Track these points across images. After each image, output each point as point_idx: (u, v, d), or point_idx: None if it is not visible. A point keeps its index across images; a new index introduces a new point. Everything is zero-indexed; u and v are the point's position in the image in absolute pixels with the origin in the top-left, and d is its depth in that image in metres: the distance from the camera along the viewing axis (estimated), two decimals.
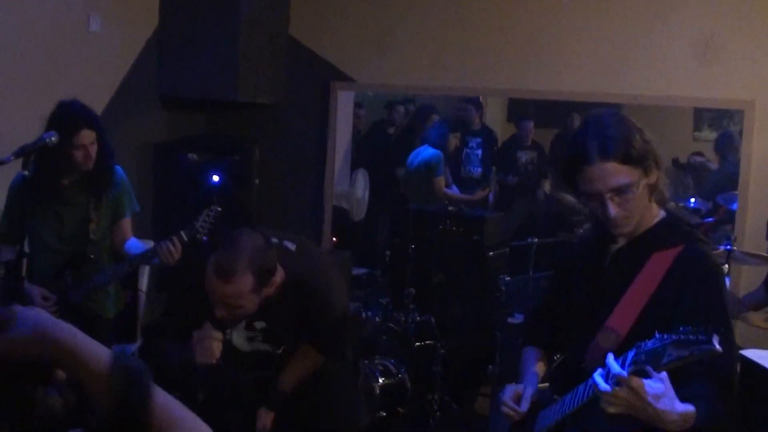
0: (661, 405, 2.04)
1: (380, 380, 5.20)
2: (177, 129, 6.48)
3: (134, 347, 5.15)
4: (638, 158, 2.27)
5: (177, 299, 3.61)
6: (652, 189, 2.35)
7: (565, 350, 2.66)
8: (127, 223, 4.37)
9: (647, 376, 2.02)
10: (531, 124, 8.40)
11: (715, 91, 5.63)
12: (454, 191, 7.63)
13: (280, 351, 3.42)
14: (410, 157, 7.45)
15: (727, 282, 5.23)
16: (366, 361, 5.26)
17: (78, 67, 5.42)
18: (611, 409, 2.07)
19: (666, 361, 1.98)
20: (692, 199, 6.65)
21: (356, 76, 6.38)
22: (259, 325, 3.36)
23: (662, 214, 2.44)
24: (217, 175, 5.88)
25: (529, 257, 5.43)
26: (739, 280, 5.51)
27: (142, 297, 5.21)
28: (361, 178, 7.32)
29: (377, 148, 7.98)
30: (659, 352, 1.98)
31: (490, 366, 5.27)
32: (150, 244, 4.23)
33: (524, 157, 8.67)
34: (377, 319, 5.58)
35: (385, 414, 5.18)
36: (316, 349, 3.42)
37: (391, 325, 5.49)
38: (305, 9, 6.55)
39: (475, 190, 7.78)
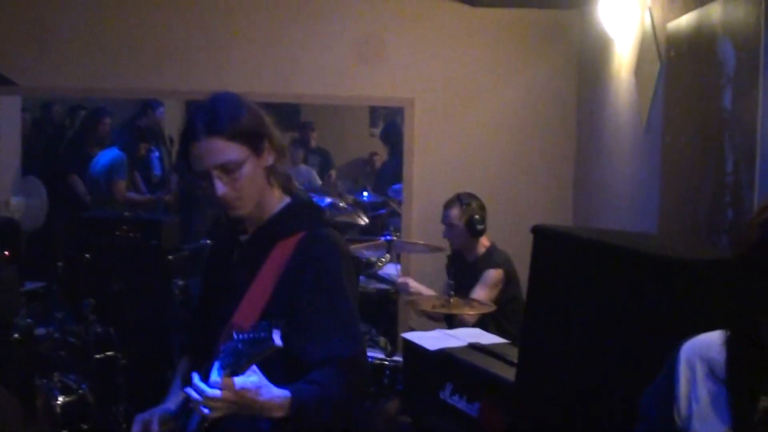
0: (263, 396, 2.06)
1: (60, 398, 5.00)
2: None
3: None
4: (246, 136, 2.22)
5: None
6: (270, 172, 2.30)
7: (200, 353, 2.40)
8: None
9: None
10: None
11: (380, 90, 5.90)
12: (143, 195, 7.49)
13: None
14: (93, 162, 7.23)
15: (396, 268, 5.53)
16: (44, 380, 5.03)
17: None
18: (216, 414, 2.04)
19: (244, 362, 2.00)
20: (365, 193, 6.94)
21: (19, 80, 6.04)
22: None
23: (287, 200, 2.38)
24: None
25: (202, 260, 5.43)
26: (409, 268, 5.81)
27: None
28: (32, 186, 6.97)
29: (47, 154, 7.65)
30: (240, 352, 1.99)
31: (170, 371, 5.20)
32: None
33: None
34: (56, 335, 5.35)
35: None
36: None
37: (70, 339, 5.28)
38: None
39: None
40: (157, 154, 7.84)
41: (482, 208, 4.96)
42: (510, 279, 4.82)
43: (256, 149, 2.25)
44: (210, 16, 5.96)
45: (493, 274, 4.79)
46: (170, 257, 5.90)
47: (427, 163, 5.87)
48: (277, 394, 2.08)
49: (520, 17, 5.79)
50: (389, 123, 7.67)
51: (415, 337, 3.97)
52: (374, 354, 4.73)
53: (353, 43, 5.84)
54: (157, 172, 7.87)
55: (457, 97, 5.86)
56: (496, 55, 5.85)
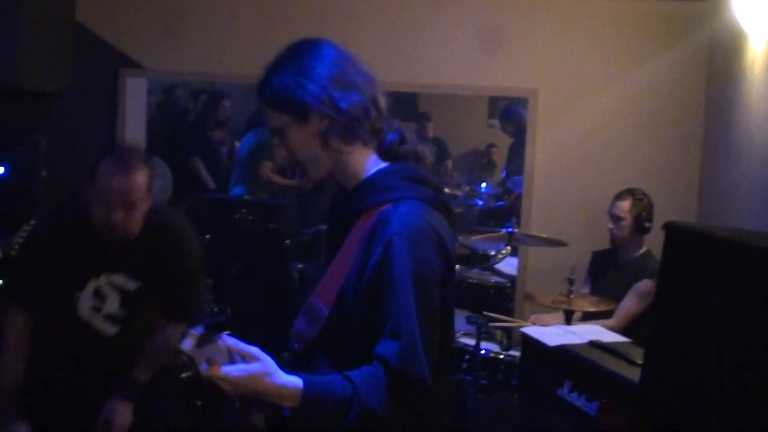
0: (269, 383, 1.89)
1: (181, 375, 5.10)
2: None
3: None
4: (281, 104, 2.10)
5: (37, 256, 3.36)
6: (326, 136, 2.08)
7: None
8: None
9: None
10: None
11: (501, 80, 5.83)
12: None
13: (115, 330, 3.31)
14: (241, 142, 7.36)
15: (515, 262, 5.47)
16: None
17: None
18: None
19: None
20: (483, 184, 6.87)
21: (146, 63, 6.21)
22: (117, 280, 3.26)
23: (381, 166, 2.14)
24: (2, 167, 5.61)
25: (321, 243, 5.47)
26: (527, 261, 5.74)
27: None
28: (157, 168, 7.12)
29: (170, 137, 7.81)
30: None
31: (285, 353, 5.26)
32: None
33: None
34: None
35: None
36: (165, 310, 3.37)
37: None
38: None
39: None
40: None
41: (652, 206, 4.88)
42: None
43: (298, 117, 2.09)
44: (332, 3, 5.99)
45: (648, 284, 4.64)
46: (288, 241, 5.96)
47: (549, 156, 5.77)
48: (285, 382, 1.90)
49: (648, 8, 5.62)
50: (507, 108, 7.49)
51: (534, 331, 3.90)
52: (490, 347, 4.69)
53: (477, 32, 5.77)
54: None
55: (582, 88, 5.74)
56: (622, 46, 5.70)
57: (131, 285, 3.30)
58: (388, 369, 1.87)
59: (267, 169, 7.14)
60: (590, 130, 5.74)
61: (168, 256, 3.33)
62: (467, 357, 4.65)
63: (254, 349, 1.93)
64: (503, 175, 7.45)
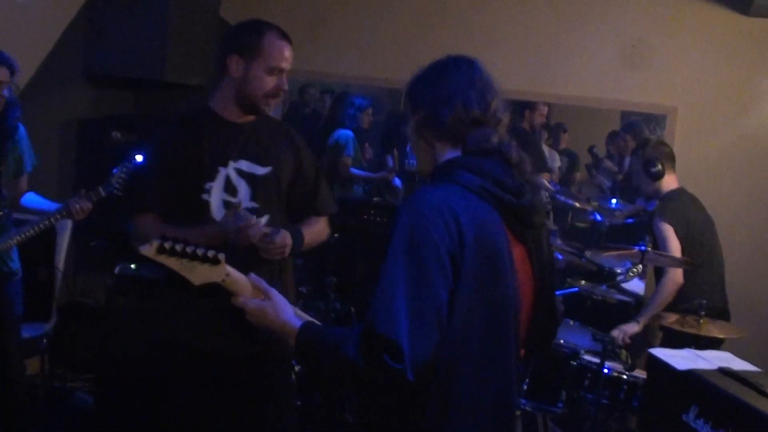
0: (276, 319, 2.18)
1: (297, 368, 5.20)
2: (103, 107, 6.38)
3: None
4: (406, 96, 2.30)
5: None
6: (420, 130, 2.25)
7: None
8: (26, 178, 4.33)
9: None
10: None
11: (640, 96, 5.75)
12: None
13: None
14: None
15: (642, 282, 5.38)
16: None
17: (2, 38, 5.30)
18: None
19: None
20: (613, 200, 6.75)
21: None
22: (243, 166, 3.31)
23: (450, 154, 2.23)
24: (142, 155, 5.80)
25: None
26: (654, 280, 5.63)
27: (59, 275, 5.13)
28: None
29: (304, 136, 7.93)
30: None
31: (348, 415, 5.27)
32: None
33: None
34: (298, 308, 5.55)
35: (300, 403, 5.17)
36: (304, 203, 3.55)
37: (312, 313, 5.47)
38: None
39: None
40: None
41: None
42: None
43: (411, 107, 2.28)
44: (474, 12, 6.02)
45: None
46: None
47: (686, 174, 5.65)
48: (287, 321, 2.16)
49: None
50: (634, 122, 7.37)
51: (662, 354, 3.82)
52: (613, 366, 4.62)
53: (620, 47, 5.71)
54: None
55: (721, 107, 5.61)
56: (765, 65, 5.54)
57: (258, 171, 3.33)
58: (365, 323, 1.95)
59: (347, 163, 7.20)
60: (729, 149, 5.62)
61: (290, 143, 3.49)
62: (589, 375, 4.58)
63: (272, 291, 2.25)
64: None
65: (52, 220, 4.08)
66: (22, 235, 4.05)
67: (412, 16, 6.18)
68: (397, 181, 7.54)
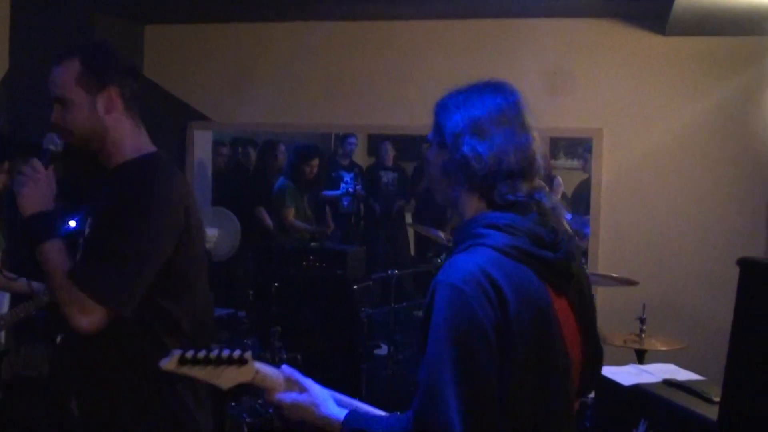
0: (317, 413, 2.06)
1: (247, 420, 5.15)
2: None
3: None
4: (434, 121, 2.20)
5: None
6: (445, 166, 2.12)
7: None
8: None
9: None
10: (388, 145, 8.71)
11: (566, 121, 5.85)
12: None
13: None
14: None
15: None
16: (233, 404, 5.20)
17: None
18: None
19: None
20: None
21: (213, 116, 6.37)
22: None
23: (478, 213, 2.09)
24: (74, 221, 5.75)
25: (390, 289, 5.50)
26: (595, 301, 5.70)
27: None
28: (225, 217, 7.25)
29: (236, 187, 7.94)
30: None
31: (357, 399, 5.29)
32: None
33: (386, 177, 8.90)
34: None
35: None
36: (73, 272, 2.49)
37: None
38: (159, 50, 6.52)
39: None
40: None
41: None
42: None
43: (436, 137, 2.16)
44: (392, 54, 6.12)
45: None
46: (355, 287, 6.01)
47: (615, 194, 5.77)
48: (328, 414, 2.06)
49: (711, 45, 5.62)
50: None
51: (607, 372, 3.86)
52: None
53: (542, 74, 5.82)
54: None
55: (647, 126, 5.74)
56: (686, 82, 5.69)
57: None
58: (414, 412, 1.85)
59: (288, 214, 7.23)
60: (656, 166, 5.73)
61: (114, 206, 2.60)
62: None
63: (308, 381, 2.11)
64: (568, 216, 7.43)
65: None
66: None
67: (335, 60, 6.24)
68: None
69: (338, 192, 8.61)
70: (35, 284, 4.17)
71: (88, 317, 2.43)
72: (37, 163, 2.61)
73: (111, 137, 2.65)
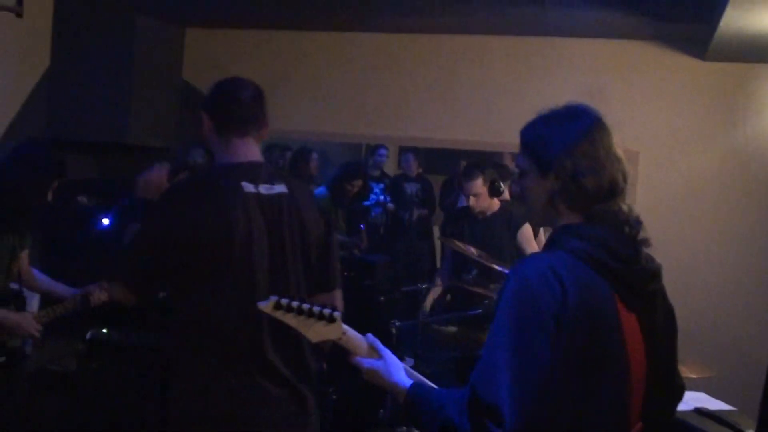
0: (387, 379, 2.24)
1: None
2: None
3: None
4: (533, 153, 2.22)
5: None
6: (553, 195, 2.17)
7: None
8: (26, 253, 4.33)
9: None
10: (411, 156, 8.72)
11: None
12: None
13: None
14: None
15: None
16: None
17: None
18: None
19: None
20: None
21: None
22: None
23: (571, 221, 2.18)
24: (108, 219, 5.79)
25: (419, 302, 5.49)
26: None
27: (29, 342, 5.06)
28: None
29: None
30: None
31: (381, 410, 5.29)
32: None
33: (409, 188, 8.91)
34: None
35: None
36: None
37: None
38: (199, 53, 6.57)
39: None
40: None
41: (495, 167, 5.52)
42: None
43: (540, 169, 2.18)
44: (426, 67, 6.15)
45: (528, 226, 5.33)
46: (382, 298, 6.01)
47: (649, 218, 5.73)
48: (397, 382, 2.24)
49: (750, 71, 5.61)
50: None
51: None
52: None
53: (579, 95, 5.78)
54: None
55: (683, 150, 5.73)
56: (723, 108, 5.68)
57: None
58: (470, 389, 1.97)
59: None
60: (690, 191, 5.72)
61: None
62: None
63: (386, 351, 2.31)
64: None
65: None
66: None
67: (372, 71, 6.27)
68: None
69: (368, 203, 8.60)
70: (64, 288, 4.25)
71: None
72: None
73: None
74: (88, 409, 5.01)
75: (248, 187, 2.95)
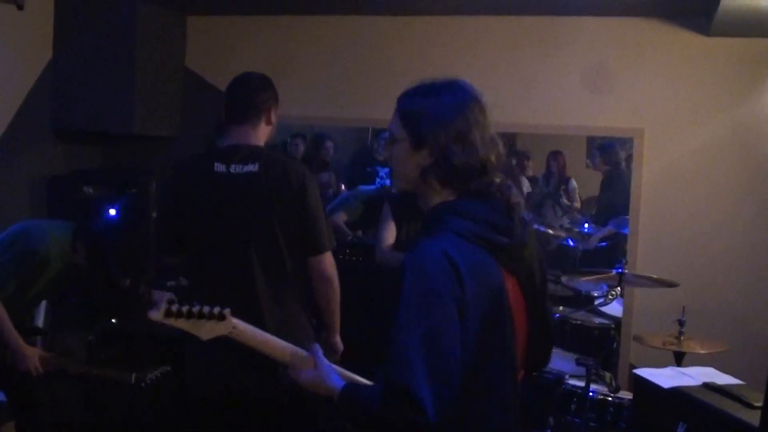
0: (323, 384, 2.28)
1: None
2: (72, 162, 6.38)
3: None
4: (409, 125, 2.29)
5: None
6: (425, 170, 2.23)
7: None
8: None
9: None
10: None
11: (605, 120, 5.82)
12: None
13: None
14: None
15: (620, 303, 5.42)
16: None
17: None
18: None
19: None
20: (586, 225, 6.82)
21: None
22: None
23: (445, 199, 2.25)
24: (114, 209, 5.80)
25: None
26: (633, 302, 5.69)
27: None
28: None
29: None
30: None
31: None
32: None
33: None
34: None
35: None
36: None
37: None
38: (201, 41, 6.56)
39: None
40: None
41: None
42: None
43: (414, 141, 2.27)
44: (433, 49, 6.11)
45: None
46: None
47: (655, 195, 5.73)
48: (331, 385, 2.26)
49: (756, 46, 5.56)
50: (608, 144, 7.45)
51: (647, 373, 3.86)
52: (598, 389, 4.65)
53: (583, 72, 5.80)
54: None
55: (689, 127, 5.69)
56: (729, 84, 5.63)
57: None
58: (383, 374, 2.02)
59: (341, 218, 7.23)
60: (696, 168, 5.68)
61: None
62: (575, 399, 4.62)
63: (319, 358, 2.34)
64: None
65: None
66: None
67: (376, 53, 6.25)
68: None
69: (373, 187, 8.57)
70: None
71: None
72: None
73: None
74: (101, 400, 5.03)
75: (219, 167, 3.45)
